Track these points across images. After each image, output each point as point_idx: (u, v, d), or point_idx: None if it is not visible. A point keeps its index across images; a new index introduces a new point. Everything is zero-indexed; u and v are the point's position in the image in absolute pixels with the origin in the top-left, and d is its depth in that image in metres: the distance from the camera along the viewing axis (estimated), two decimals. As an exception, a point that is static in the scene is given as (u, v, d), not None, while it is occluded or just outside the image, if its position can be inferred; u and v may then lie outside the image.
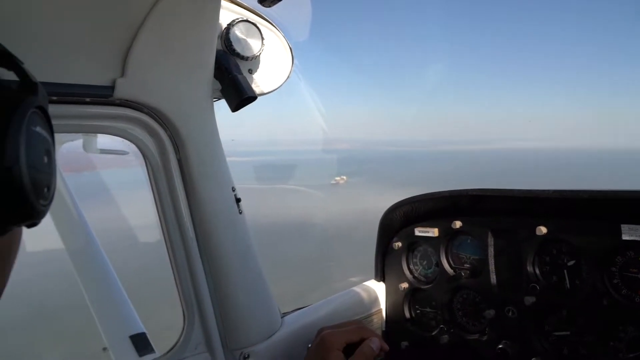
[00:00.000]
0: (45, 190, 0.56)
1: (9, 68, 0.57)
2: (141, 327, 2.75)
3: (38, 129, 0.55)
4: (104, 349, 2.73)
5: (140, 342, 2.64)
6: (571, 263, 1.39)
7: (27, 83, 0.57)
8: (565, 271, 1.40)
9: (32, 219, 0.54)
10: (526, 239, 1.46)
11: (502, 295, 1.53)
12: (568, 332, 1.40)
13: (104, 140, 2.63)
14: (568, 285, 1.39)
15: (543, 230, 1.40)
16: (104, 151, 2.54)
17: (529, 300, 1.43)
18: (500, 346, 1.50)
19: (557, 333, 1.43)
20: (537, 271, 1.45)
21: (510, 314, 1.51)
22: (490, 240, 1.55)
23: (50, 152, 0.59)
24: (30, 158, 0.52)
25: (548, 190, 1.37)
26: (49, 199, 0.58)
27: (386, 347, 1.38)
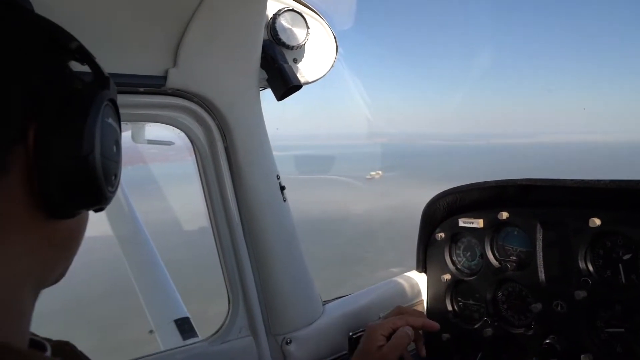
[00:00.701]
0: (113, 177, 0.60)
1: (82, 62, 0.61)
2: (185, 312, 2.86)
3: (110, 120, 0.59)
4: (151, 331, 2.86)
5: (184, 326, 2.75)
6: (627, 257, 1.33)
7: (100, 77, 0.60)
8: (620, 265, 1.34)
9: (101, 204, 0.59)
10: (578, 231, 1.40)
11: (550, 289, 1.48)
12: (622, 329, 1.34)
13: (150, 132, 2.72)
14: (623, 280, 1.33)
15: (597, 222, 1.34)
16: (151, 142, 2.63)
17: (580, 294, 1.38)
18: (547, 341, 1.45)
19: (610, 330, 1.37)
20: (590, 265, 1.40)
21: (558, 308, 1.46)
22: (539, 232, 1.50)
23: (118, 142, 0.63)
24: (103, 148, 0.56)
25: (604, 181, 1.31)
26: (116, 187, 0.62)
27: (434, 325, 1.42)
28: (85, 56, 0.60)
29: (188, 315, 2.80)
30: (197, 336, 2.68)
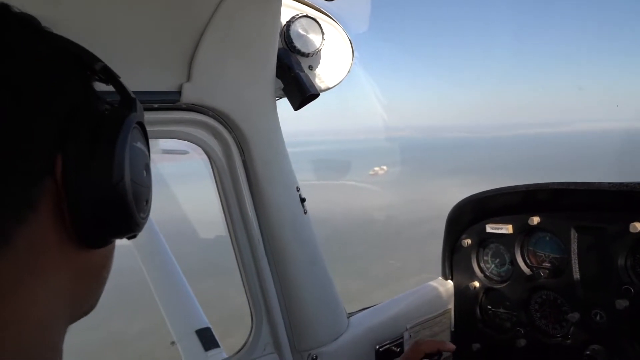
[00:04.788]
0: (144, 203, 0.57)
1: (107, 83, 0.57)
2: (206, 322, 2.82)
3: (138, 144, 0.55)
4: (172, 342, 2.83)
5: (206, 337, 2.71)
6: (673, 263, 1.26)
7: (126, 99, 0.57)
8: None
9: (133, 232, 0.56)
10: (617, 236, 1.33)
11: (588, 298, 1.41)
12: None
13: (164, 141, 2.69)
14: (670, 288, 1.26)
15: (638, 227, 1.27)
16: (166, 151, 2.60)
17: (622, 304, 1.30)
18: (587, 352, 1.39)
19: None
20: (631, 272, 1.32)
21: (598, 317, 1.38)
22: (574, 238, 1.43)
23: (148, 166, 0.59)
24: (133, 173, 0.53)
25: None
26: (147, 212, 0.59)
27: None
28: (110, 77, 0.56)
29: (209, 325, 2.76)
30: (218, 346, 2.65)
